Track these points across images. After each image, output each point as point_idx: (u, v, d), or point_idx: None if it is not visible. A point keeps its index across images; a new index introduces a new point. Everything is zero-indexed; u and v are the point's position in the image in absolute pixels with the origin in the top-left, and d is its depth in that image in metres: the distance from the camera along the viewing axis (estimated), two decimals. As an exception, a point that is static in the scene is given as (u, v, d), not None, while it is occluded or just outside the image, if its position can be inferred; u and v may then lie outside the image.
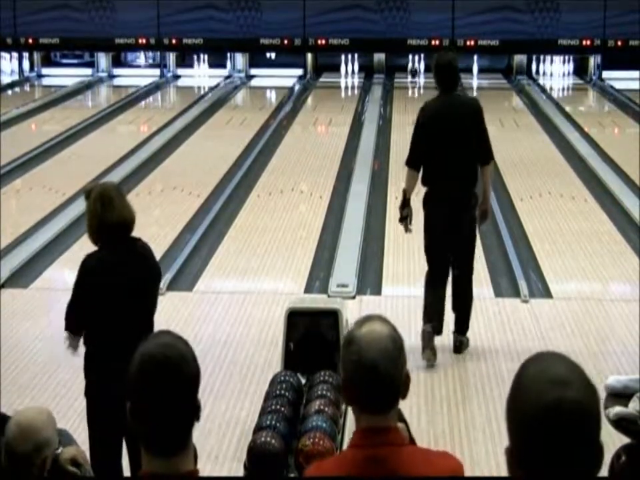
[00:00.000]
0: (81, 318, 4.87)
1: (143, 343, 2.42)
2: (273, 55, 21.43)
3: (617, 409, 5.45)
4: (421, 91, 20.33)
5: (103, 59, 21.58)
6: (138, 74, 21.58)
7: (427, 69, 21.21)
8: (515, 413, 2.00)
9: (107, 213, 4.83)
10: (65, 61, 21.94)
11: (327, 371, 5.71)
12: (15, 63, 21.68)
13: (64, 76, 21.12)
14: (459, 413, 6.14)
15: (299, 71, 21.32)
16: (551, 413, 1.94)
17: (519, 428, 1.99)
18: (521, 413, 1.98)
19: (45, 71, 21.73)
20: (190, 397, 2.38)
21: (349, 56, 21.38)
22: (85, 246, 9.51)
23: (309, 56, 21.23)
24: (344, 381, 2.74)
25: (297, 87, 20.24)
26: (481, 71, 21.46)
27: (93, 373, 4.86)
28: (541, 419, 1.94)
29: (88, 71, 21.48)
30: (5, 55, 21.57)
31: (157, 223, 10.20)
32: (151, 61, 21.82)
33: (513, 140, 14.67)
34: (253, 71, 21.55)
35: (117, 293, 4.80)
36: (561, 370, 1.99)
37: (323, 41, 19.90)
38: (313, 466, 2.92)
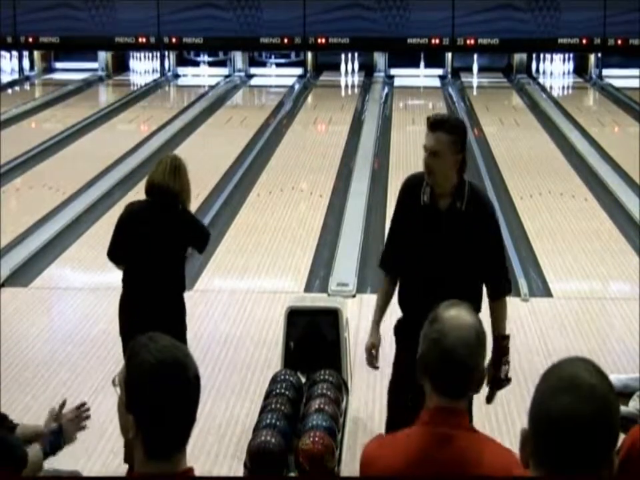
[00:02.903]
0: (116, 248, 5.65)
1: (141, 347, 2.34)
2: (273, 66, 21.56)
3: (617, 408, 5.46)
4: (421, 90, 20.32)
5: (102, 58, 21.60)
6: (138, 73, 21.62)
7: (427, 65, 21.22)
8: (535, 413, 2.04)
9: (153, 174, 5.59)
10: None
11: (327, 370, 5.71)
12: (15, 61, 21.69)
13: (64, 72, 21.13)
14: (458, 411, 6.13)
15: (299, 70, 21.33)
16: (568, 426, 1.98)
17: (537, 429, 2.03)
18: (540, 417, 2.02)
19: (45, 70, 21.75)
20: (197, 399, 2.37)
21: (349, 55, 21.39)
22: (85, 245, 9.59)
23: (309, 55, 21.24)
24: (420, 356, 2.76)
25: (296, 86, 20.24)
26: (481, 69, 21.47)
27: (122, 312, 5.63)
28: (558, 432, 1.98)
29: (89, 69, 21.51)
30: (5, 53, 21.58)
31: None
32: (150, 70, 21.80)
33: (513, 139, 14.67)
34: (253, 70, 21.56)
35: (142, 239, 5.52)
36: (587, 381, 2.01)
37: (323, 40, 19.91)
38: (376, 439, 2.89)
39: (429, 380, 2.75)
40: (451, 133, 4.63)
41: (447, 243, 4.66)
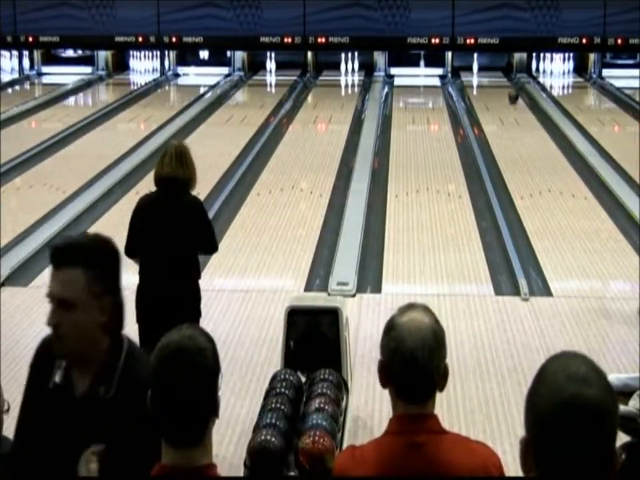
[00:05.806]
0: (132, 243, 5.74)
1: (168, 333, 2.48)
2: (273, 67, 21.62)
3: (617, 407, 5.46)
4: (421, 89, 20.32)
5: (102, 57, 21.61)
6: (138, 72, 21.63)
7: (427, 64, 21.22)
8: (532, 406, 2.01)
9: (160, 166, 5.74)
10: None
11: (327, 369, 5.71)
12: (15, 61, 21.68)
13: (64, 74, 21.14)
14: (458, 410, 6.14)
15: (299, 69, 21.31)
16: (567, 408, 1.95)
17: (535, 421, 2.00)
18: (538, 407, 1.99)
19: (45, 69, 21.75)
20: (204, 390, 2.43)
21: (349, 54, 21.40)
22: (85, 244, 9.58)
23: (309, 54, 21.25)
24: (381, 365, 2.76)
25: (297, 85, 20.24)
26: (481, 69, 21.47)
27: (138, 301, 5.70)
28: (556, 414, 1.95)
29: (88, 69, 21.52)
30: (5, 53, 21.57)
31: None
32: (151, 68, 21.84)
33: (513, 138, 14.67)
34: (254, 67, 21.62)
35: (153, 229, 5.68)
36: (582, 369, 2.00)
37: (323, 39, 19.91)
38: (347, 451, 2.90)
39: (394, 388, 2.75)
40: (90, 267, 2.82)
41: (79, 446, 2.89)
